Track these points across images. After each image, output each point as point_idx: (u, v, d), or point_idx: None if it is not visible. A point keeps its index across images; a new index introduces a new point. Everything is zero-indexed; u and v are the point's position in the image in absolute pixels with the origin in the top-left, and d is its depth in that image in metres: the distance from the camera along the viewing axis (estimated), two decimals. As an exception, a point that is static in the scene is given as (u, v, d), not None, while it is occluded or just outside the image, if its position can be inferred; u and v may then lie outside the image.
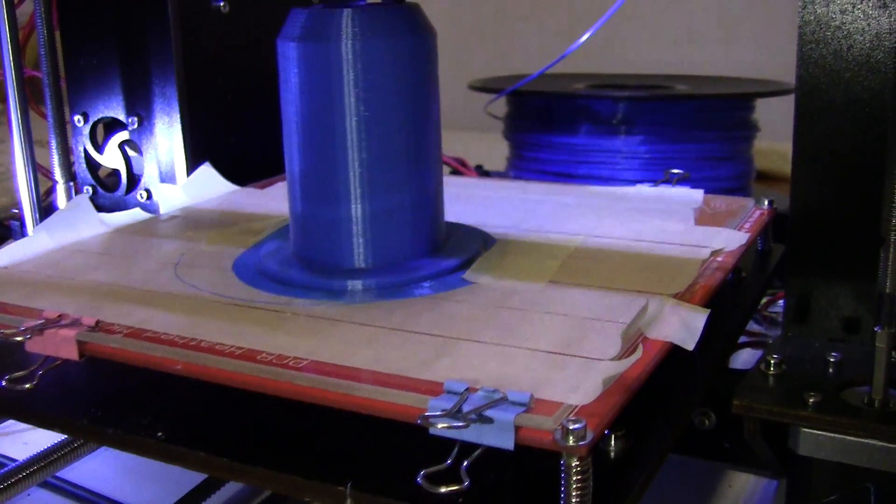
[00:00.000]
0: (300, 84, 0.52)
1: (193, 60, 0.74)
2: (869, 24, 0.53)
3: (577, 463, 0.35)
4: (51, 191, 0.75)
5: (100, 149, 0.77)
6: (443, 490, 0.36)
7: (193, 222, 0.66)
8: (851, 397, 0.47)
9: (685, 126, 0.92)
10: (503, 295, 0.49)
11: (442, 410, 0.36)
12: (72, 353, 0.44)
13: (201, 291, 0.51)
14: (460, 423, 0.35)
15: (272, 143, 0.80)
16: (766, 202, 0.66)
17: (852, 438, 0.46)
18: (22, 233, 0.73)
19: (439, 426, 0.35)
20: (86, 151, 0.78)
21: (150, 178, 0.75)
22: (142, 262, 0.57)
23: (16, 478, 0.55)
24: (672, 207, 0.64)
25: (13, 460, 0.59)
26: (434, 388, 0.38)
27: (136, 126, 0.75)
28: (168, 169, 0.74)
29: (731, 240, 0.57)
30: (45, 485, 0.60)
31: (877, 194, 0.50)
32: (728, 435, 0.58)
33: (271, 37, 0.80)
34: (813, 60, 0.54)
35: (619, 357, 0.41)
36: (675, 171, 0.71)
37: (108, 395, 0.47)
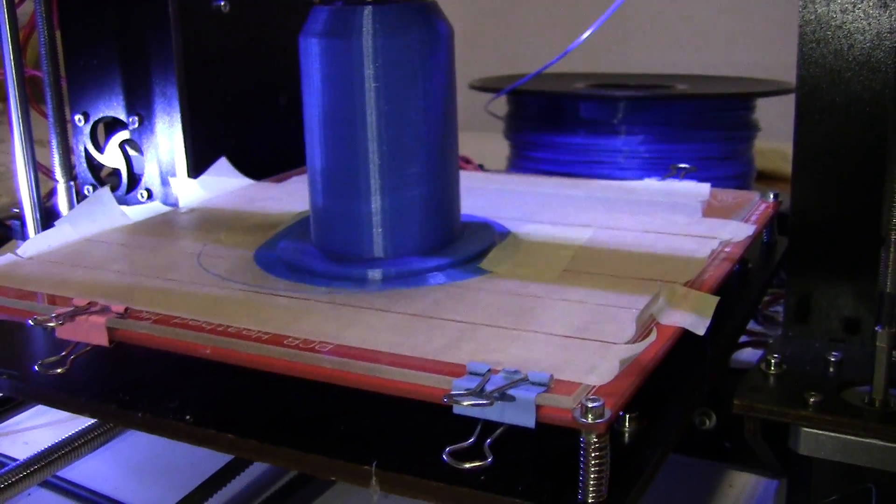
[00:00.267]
0: (322, 80, 0.54)
1: (194, 60, 0.75)
2: (869, 24, 0.54)
3: (596, 440, 0.37)
4: (52, 191, 0.76)
5: (100, 148, 0.78)
6: (467, 466, 0.39)
7: (213, 215, 0.68)
8: (852, 397, 0.48)
9: (686, 125, 0.93)
10: (519, 283, 0.52)
11: (466, 390, 0.38)
12: (102, 340, 0.46)
13: (225, 280, 0.53)
14: (484, 402, 0.37)
15: (273, 142, 0.82)
16: (771, 195, 0.67)
17: (853, 438, 0.46)
18: (22, 232, 0.74)
19: (464, 404, 0.38)
20: (86, 151, 0.78)
21: (150, 177, 0.76)
22: (165, 253, 0.59)
23: (16, 477, 0.56)
24: (680, 200, 0.66)
25: (14, 459, 0.60)
26: (457, 370, 0.40)
27: (136, 125, 0.76)
28: (169, 168, 0.75)
29: (737, 231, 0.59)
30: (46, 484, 0.61)
31: (877, 194, 0.50)
32: (729, 435, 0.59)
33: (272, 36, 0.82)
34: (813, 60, 0.55)
35: (634, 341, 0.43)
36: (683, 165, 0.73)
37: (137, 381, 0.49)
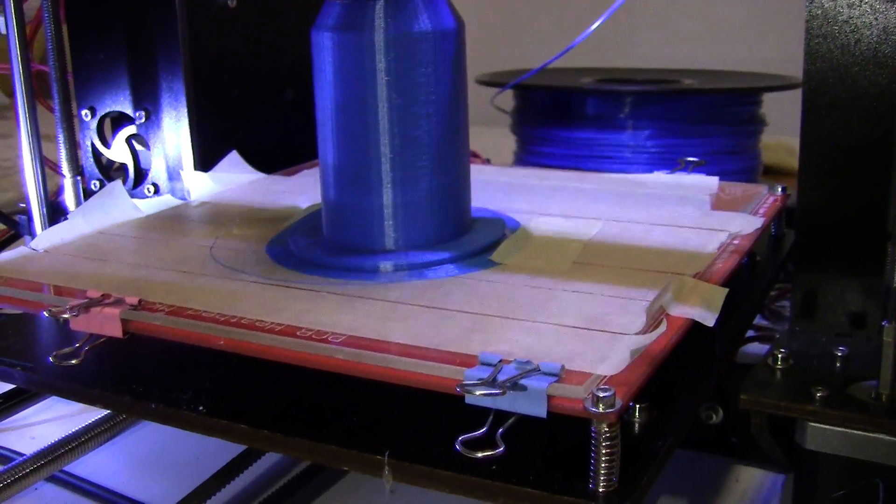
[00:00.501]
0: (334, 73, 0.55)
1: (201, 55, 0.75)
2: (876, 19, 0.54)
3: (607, 429, 0.37)
4: (59, 186, 0.76)
5: (107, 143, 0.78)
6: (479, 455, 0.39)
7: (224, 208, 0.69)
8: (858, 392, 0.48)
9: (692, 120, 0.93)
10: (530, 275, 0.52)
11: (478, 380, 0.39)
12: (116, 331, 0.47)
13: (238, 272, 0.54)
14: (496, 391, 0.38)
15: (279, 136, 0.82)
16: (779, 188, 0.68)
17: (859, 433, 0.46)
18: (29, 227, 0.74)
19: (477, 393, 0.38)
20: (93, 146, 0.79)
21: (157, 172, 0.77)
22: (177, 246, 0.60)
23: (23, 472, 0.56)
24: (688, 193, 0.66)
25: (21, 454, 0.60)
26: (469, 361, 0.41)
27: (143, 120, 0.76)
28: (175, 163, 0.76)
29: (746, 224, 0.59)
30: (53, 479, 0.62)
31: (884, 189, 0.53)
32: (735, 430, 0.59)
33: (278, 31, 0.82)
34: (820, 55, 0.55)
35: (644, 331, 0.44)
36: (692, 158, 0.73)
37: (150, 372, 0.50)
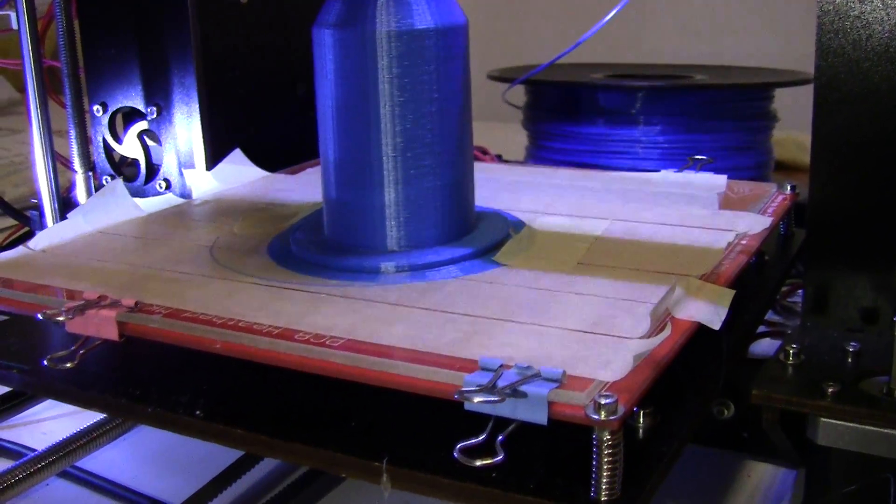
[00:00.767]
0: (335, 70, 0.54)
1: (212, 50, 0.75)
2: (888, 14, 0.53)
3: (609, 437, 0.36)
4: (70, 182, 0.76)
5: (119, 139, 0.78)
6: (479, 463, 0.38)
7: (226, 207, 0.68)
8: (870, 387, 0.48)
9: (704, 116, 0.92)
10: (533, 277, 0.51)
11: (477, 386, 0.37)
12: (112, 334, 0.46)
13: (237, 273, 0.53)
14: (496, 398, 0.37)
15: (291, 132, 0.82)
16: (788, 187, 0.67)
17: (871, 428, 0.46)
18: (41, 222, 0.74)
19: (475, 400, 0.37)
20: (105, 141, 0.78)
21: (169, 167, 0.76)
22: (177, 246, 0.59)
23: (35, 467, 0.56)
24: (696, 192, 0.65)
25: (32, 450, 0.60)
26: (468, 366, 0.40)
27: (155, 116, 0.76)
28: (187, 159, 0.75)
29: (754, 223, 0.58)
30: (64, 474, 0.61)
31: None
32: (747, 425, 0.59)
33: (290, 26, 0.82)
34: (832, 50, 0.55)
35: (649, 335, 0.42)
36: (700, 156, 0.72)
37: (147, 375, 0.49)
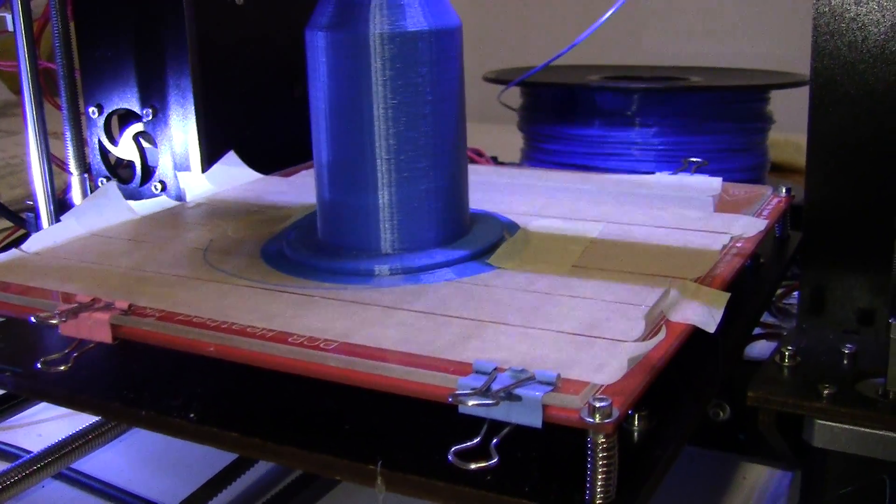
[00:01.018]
0: (328, 73, 0.54)
1: (208, 52, 0.75)
2: (884, 16, 0.54)
3: (604, 440, 0.36)
4: (66, 183, 0.76)
5: (114, 140, 0.78)
6: (473, 466, 0.38)
7: (220, 210, 0.68)
8: (866, 389, 0.48)
9: (700, 118, 0.92)
10: (528, 279, 0.51)
11: (471, 389, 0.37)
12: (105, 336, 0.46)
13: (231, 276, 0.53)
14: (490, 401, 0.37)
15: (287, 134, 0.82)
16: (783, 189, 0.67)
17: (867, 430, 0.46)
18: (37, 224, 0.74)
19: (470, 404, 0.37)
20: (100, 143, 0.78)
21: (164, 169, 0.76)
22: (171, 248, 0.58)
23: (30, 469, 0.56)
24: (691, 195, 0.65)
25: (28, 452, 0.60)
26: (463, 369, 0.40)
27: (150, 118, 0.76)
28: (183, 160, 0.75)
29: (749, 226, 0.58)
30: (60, 476, 0.61)
31: (892, 186, 0.52)
32: (743, 427, 0.59)
33: (286, 28, 0.81)
34: (828, 52, 0.55)
35: (643, 338, 0.42)
36: (695, 159, 0.72)
37: (140, 378, 0.49)
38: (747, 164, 0.95)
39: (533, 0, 1.76)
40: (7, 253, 0.58)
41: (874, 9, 0.54)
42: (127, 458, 0.65)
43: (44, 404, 0.71)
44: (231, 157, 0.75)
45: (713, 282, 0.50)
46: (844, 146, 0.55)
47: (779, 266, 0.64)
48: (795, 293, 0.73)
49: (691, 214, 0.61)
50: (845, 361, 0.51)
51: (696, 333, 0.45)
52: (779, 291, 0.79)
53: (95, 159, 0.79)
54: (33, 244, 0.59)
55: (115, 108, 0.78)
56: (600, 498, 0.37)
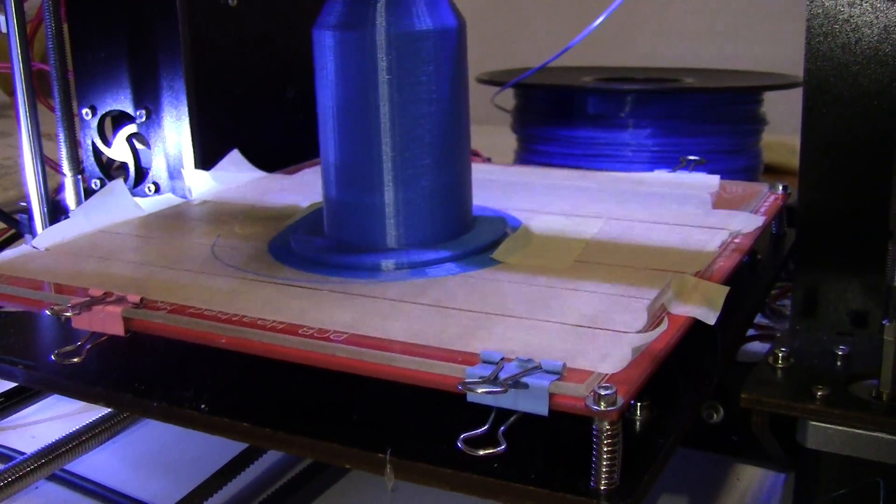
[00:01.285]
0: (336, 72, 0.55)
1: (201, 53, 0.76)
2: (877, 17, 0.54)
3: (608, 427, 0.38)
4: (59, 185, 0.76)
5: (108, 142, 0.79)
6: (481, 453, 0.39)
7: (226, 206, 0.69)
8: (860, 391, 0.48)
9: (693, 119, 0.93)
10: (531, 273, 0.52)
11: (480, 378, 0.39)
12: (118, 329, 0.47)
13: (239, 271, 0.54)
14: (498, 389, 0.38)
15: (280, 135, 0.82)
16: (780, 187, 0.68)
17: (860, 432, 0.46)
18: (30, 226, 0.74)
19: (479, 391, 0.38)
20: (94, 145, 0.79)
21: (158, 171, 0.77)
22: (179, 244, 0.60)
23: (24, 471, 0.56)
24: (689, 192, 0.66)
25: (21, 453, 0.60)
26: (470, 359, 0.41)
27: (144, 119, 0.76)
28: (176, 162, 0.76)
29: (747, 222, 0.59)
30: (53, 478, 0.62)
31: (885, 187, 0.52)
32: (736, 428, 0.59)
33: (279, 30, 0.82)
34: (821, 53, 0.55)
35: (646, 330, 0.44)
36: (692, 157, 0.74)
37: (152, 370, 0.50)
38: (741, 166, 0.96)
39: (526, 2, 1.77)
40: (18, 248, 0.59)
41: (868, 10, 0.54)
42: (121, 459, 0.65)
43: (37, 406, 0.71)
44: (235, 155, 0.76)
45: (712, 276, 0.51)
46: (838, 148, 0.56)
47: (776, 262, 0.65)
48: (789, 295, 0.73)
49: (690, 211, 0.63)
50: (839, 363, 0.51)
51: (694, 328, 0.46)
52: (773, 293, 0.80)
53: (89, 161, 0.80)
54: (43, 240, 0.60)
55: (108, 109, 0.78)
56: (605, 484, 0.38)
